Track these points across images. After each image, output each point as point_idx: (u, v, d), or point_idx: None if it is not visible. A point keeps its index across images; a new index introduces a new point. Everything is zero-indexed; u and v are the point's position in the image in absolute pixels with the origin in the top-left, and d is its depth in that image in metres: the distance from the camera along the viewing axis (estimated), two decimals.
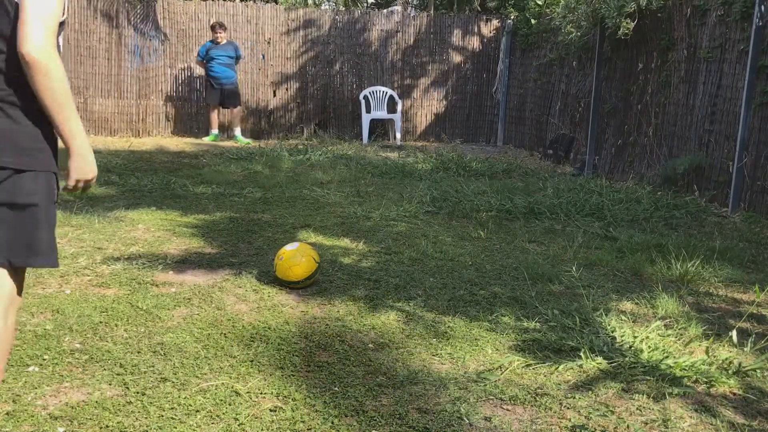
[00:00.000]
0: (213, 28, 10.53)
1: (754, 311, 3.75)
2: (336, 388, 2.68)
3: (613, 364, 2.94)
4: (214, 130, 10.80)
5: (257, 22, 11.36)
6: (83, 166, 2.04)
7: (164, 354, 2.94)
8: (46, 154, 2.01)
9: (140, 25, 10.84)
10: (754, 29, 6.26)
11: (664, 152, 7.65)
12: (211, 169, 7.83)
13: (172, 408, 2.48)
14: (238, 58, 10.77)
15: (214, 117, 10.79)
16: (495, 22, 12.05)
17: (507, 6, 12.62)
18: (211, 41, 10.52)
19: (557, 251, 4.88)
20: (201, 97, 11.19)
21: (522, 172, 8.51)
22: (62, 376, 2.71)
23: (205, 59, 10.47)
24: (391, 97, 11.74)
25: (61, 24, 1.95)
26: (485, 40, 12.07)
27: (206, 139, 10.70)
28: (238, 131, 10.85)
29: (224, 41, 10.53)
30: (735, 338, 3.20)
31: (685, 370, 2.88)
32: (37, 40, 1.85)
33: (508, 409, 2.58)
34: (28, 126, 1.96)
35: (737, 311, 3.78)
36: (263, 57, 11.29)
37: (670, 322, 3.50)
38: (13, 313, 2.08)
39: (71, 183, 2.05)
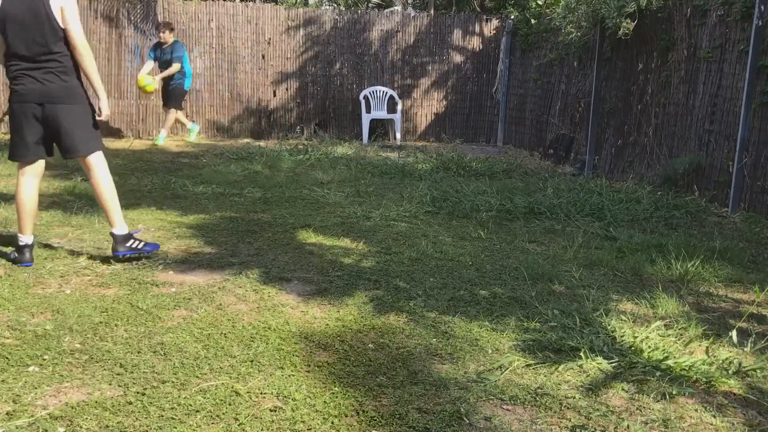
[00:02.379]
0: (157, 27, 10.14)
1: (754, 311, 3.75)
2: (336, 388, 2.68)
3: (613, 364, 2.94)
4: (189, 125, 10.75)
5: (257, 22, 11.36)
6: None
7: (164, 354, 2.94)
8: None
9: (140, 25, 10.85)
10: (754, 29, 6.26)
11: (664, 152, 7.65)
12: (211, 169, 7.83)
13: (172, 408, 2.48)
14: (177, 57, 9.83)
15: (175, 115, 10.31)
16: (495, 22, 12.05)
17: (507, 6, 12.63)
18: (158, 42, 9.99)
19: (557, 251, 4.88)
20: (201, 97, 11.20)
21: (522, 172, 8.51)
22: (62, 376, 2.71)
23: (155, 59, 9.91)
24: (391, 97, 11.74)
25: None
26: (485, 40, 12.07)
27: (189, 139, 10.70)
28: (163, 133, 10.23)
29: (170, 41, 9.85)
30: (735, 338, 3.21)
31: (685, 370, 2.88)
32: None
33: (508, 409, 2.58)
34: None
35: (737, 311, 3.78)
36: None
37: (670, 322, 3.50)
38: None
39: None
